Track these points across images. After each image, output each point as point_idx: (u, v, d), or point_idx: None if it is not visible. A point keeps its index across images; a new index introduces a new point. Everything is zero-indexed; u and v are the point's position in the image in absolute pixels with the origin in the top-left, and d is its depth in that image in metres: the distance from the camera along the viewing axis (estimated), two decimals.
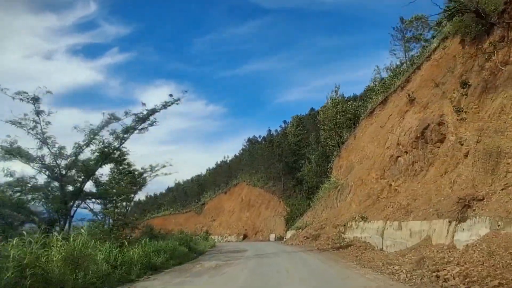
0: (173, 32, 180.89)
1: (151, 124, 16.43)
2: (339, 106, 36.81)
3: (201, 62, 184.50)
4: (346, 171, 31.92)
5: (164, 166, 18.96)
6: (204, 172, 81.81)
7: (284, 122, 59.74)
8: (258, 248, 25.46)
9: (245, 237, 52.63)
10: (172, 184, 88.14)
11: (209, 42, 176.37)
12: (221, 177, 70.75)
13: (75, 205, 15.79)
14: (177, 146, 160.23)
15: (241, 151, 68.34)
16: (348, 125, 36.77)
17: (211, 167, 79.35)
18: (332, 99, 36.57)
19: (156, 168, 19.05)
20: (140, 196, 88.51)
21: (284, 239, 38.93)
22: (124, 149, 17.32)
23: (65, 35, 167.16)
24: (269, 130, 64.25)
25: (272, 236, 44.89)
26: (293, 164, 50.89)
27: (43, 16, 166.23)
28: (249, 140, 67.30)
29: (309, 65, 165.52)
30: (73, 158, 15.48)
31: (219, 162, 74.19)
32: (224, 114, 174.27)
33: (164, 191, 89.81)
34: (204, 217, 67.94)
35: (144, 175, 19.36)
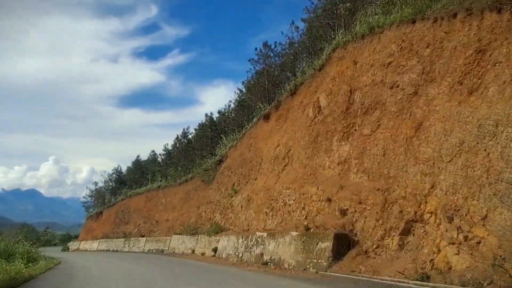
0: (229, 32, 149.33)
1: None
2: None
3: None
4: None
5: None
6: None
7: None
8: None
9: (340, 253, 10.02)
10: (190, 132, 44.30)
11: (264, 41, 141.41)
12: (260, 93, 28.92)
13: None
14: None
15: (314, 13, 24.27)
16: None
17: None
18: None
19: None
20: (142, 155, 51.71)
21: None
22: None
23: (128, 38, 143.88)
24: None
25: None
26: None
27: (107, 20, 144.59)
28: None
29: None
30: None
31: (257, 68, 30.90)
32: None
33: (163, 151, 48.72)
34: (217, 188, 26.38)
35: None
